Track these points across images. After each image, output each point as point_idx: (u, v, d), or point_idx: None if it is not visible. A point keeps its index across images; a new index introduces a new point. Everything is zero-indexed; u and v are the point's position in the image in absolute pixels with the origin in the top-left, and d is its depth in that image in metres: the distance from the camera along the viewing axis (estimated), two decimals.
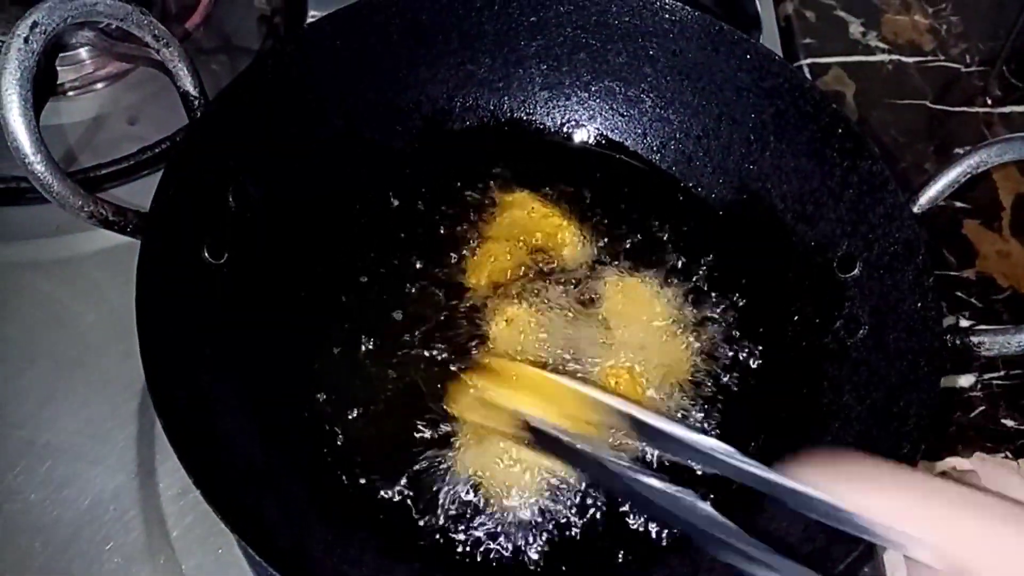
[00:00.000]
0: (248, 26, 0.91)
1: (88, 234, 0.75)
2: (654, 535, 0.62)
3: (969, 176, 0.63)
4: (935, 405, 0.58)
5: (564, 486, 0.63)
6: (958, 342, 0.60)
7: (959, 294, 0.82)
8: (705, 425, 0.67)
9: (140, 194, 0.73)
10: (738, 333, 0.71)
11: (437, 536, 0.61)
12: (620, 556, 0.61)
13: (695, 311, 0.72)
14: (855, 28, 1.01)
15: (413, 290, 0.71)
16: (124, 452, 0.67)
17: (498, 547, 0.61)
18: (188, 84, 0.62)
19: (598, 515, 0.62)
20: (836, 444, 0.62)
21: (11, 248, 0.75)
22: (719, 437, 0.65)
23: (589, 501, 0.63)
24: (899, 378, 0.61)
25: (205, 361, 0.59)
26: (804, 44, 0.99)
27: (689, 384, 0.68)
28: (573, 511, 0.62)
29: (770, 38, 0.97)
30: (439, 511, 0.62)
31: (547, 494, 0.63)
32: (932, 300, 0.61)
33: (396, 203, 0.75)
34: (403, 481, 0.62)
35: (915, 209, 0.65)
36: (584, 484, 0.63)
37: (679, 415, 0.67)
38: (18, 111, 0.51)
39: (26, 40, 0.51)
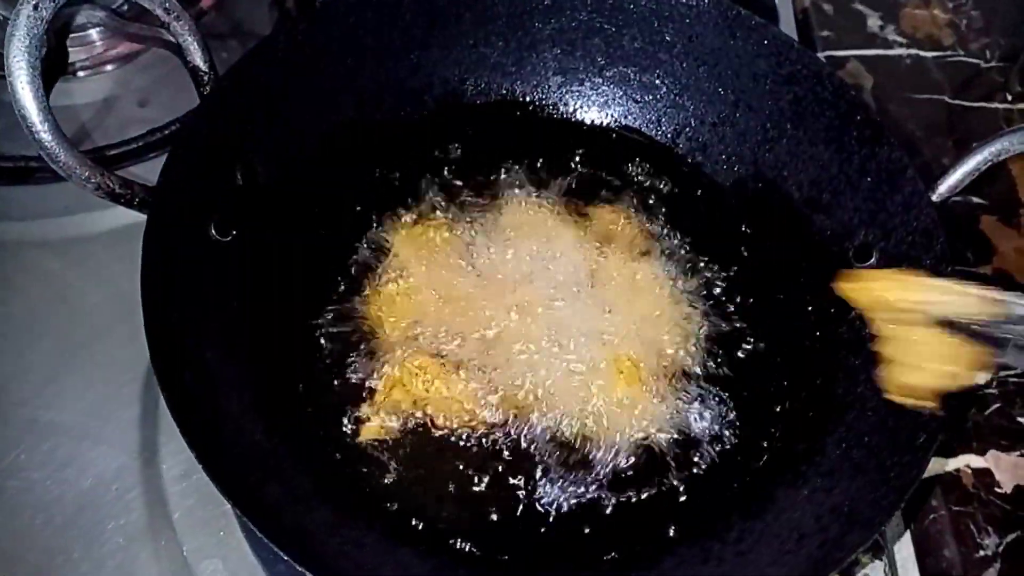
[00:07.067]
0: (260, 11, 0.90)
1: (96, 214, 0.74)
2: (663, 526, 0.61)
3: (989, 164, 0.62)
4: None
5: (565, 478, 0.62)
6: None
7: None
8: (718, 414, 0.65)
9: (149, 176, 0.72)
10: (752, 322, 0.70)
11: (441, 520, 0.60)
12: (630, 546, 0.60)
13: (707, 300, 0.71)
14: (873, 21, 1.00)
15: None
16: (127, 433, 0.66)
17: (503, 535, 0.60)
18: (198, 59, 0.62)
19: (606, 508, 0.62)
20: (851, 434, 0.61)
21: (19, 227, 0.75)
22: (732, 427, 0.65)
23: (595, 495, 0.62)
24: None
25: (211, 339, 0.59)
26: (821, 37, 0.97)
27: (701, 374, 0.67)
28: (580, 501, 0.61)
29: (787, 30, 0.95)
30: (444, 494, 0.61)
31: (551, 484, 0.62)
32: None
33: (403, 184, 0.74)
34: (406, 464, 0.62)
35: (934, 198, 0.64)
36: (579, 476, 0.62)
37: (690, 404, 0.66)
38: (26, 78, 0.51)
39: (36, 7, 0.51)
